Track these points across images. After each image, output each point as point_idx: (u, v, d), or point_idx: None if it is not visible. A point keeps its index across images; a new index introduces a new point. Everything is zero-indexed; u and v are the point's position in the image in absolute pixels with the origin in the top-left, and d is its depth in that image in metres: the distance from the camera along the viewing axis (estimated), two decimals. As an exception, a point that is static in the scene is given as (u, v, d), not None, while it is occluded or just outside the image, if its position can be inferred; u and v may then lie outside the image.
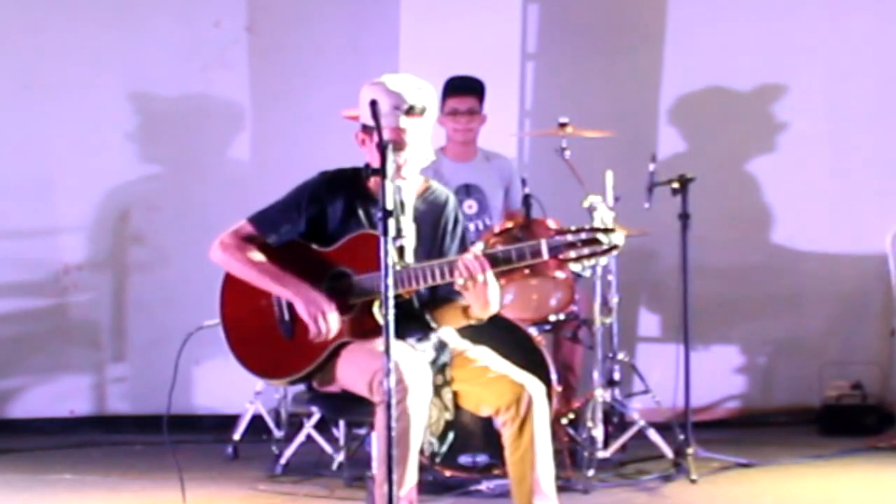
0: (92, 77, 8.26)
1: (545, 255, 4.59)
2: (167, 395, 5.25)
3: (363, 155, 4.85)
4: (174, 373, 5.20)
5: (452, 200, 4.99)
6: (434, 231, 4.91)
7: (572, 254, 4.58)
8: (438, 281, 4.64)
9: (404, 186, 4.79)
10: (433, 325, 4.89)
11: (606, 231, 4.58)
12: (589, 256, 4.59)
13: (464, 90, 7.13)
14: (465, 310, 4.78)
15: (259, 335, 4.86)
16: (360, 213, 4.84)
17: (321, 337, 4.71)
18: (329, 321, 4.70)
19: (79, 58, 8.26)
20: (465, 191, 7.11)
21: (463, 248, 4.90)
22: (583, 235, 4.57)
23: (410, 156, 4.75)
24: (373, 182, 4.79)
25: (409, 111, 4.71)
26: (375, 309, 4.69)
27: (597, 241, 4.57)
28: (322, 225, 4.84)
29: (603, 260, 4.62)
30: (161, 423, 5.43)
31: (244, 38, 8.43)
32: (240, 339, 4.89)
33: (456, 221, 4.96)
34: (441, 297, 4.85)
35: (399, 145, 4.70)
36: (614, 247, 4.59)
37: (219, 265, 4.89)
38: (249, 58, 8.43)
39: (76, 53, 8.26)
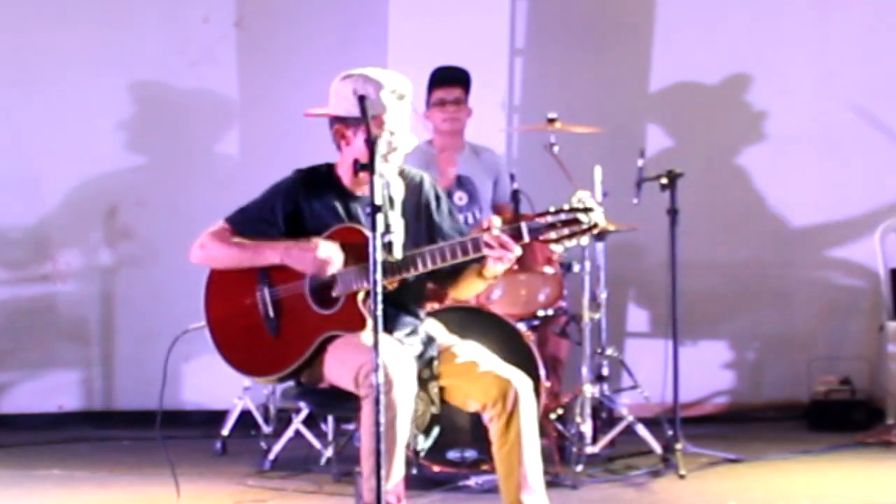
0: (80, 72, 8.26)
1: (525, 238, 4.59)
2: (156, 392, 5.26)
3: (340, 148, 4.86)
4: (164, 374, 5.20)
5: (427, 179, 4.98)
6: (416, 211, 4.90)
7: (552, 234, 4.58)
8: (461, 258, 4.63)
9: (392, 180, 4.79)
10: (423, 318, 4.91)
11: (586, 210, 4.58)
12: (570, 237, 4.58)
13: (450, 80, 7.12)
14: (480, 272, 4.76)
15: (245, 334, 4.86)
16: (339, 207, 4.84)
17: (330, 268, 4.70)
18: (327, 253, 4.69)
19: (67, 53, 8.25)
20: (456, 182, 7.09)
21: (454, 222, 4.94)
22: (562, 216, 4.57)
23: (396, 140, 4.75)
24: (351, 178, 4.81)
25: (392, 94, 4.72)
26: (360, 301, 4.69)
27: (577, 221, 4.57)
28: (299, 222, 4.83)
29: (584, 240, 4.60)
30: (149, 418, 5.44)
31: (233, 33, 8.43)
32: (226, 340, 4.89)
33: (438, 199, 4.96)
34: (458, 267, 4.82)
35: (384, 128, 4.69)
36: (594, 225, 4.59)
37: (201, 264, 4.89)
38: (238, 53, 8.43)
39: (65, 49, 8.25)
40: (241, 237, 4.84)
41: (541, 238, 4.59)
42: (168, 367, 5.25)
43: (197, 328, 4.96)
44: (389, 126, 4.71)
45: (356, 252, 4.61)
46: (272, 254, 4.78)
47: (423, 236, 4.86)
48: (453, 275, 4.86)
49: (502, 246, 4.58)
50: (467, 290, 4.93)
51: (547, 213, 4.59)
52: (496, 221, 4.66)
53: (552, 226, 4.57)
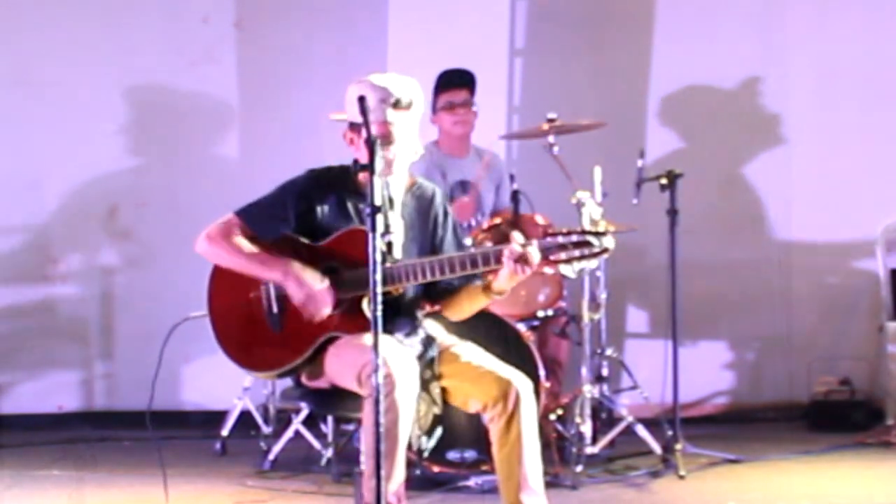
0: (80, 73, 8.26)
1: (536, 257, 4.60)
2: (157, 392, 5.25)
3: (352, 154, 4.85)
4: (158, 363, 5.20)
5: (439, 194, 5.00)
6: (424, 225, 4.92)
7: (563, 255, 4.58)
8: (482, 268, 4.63)
9: (393, 182, 4.80)
10: (421, 319, 4.91)
11: (598, 234, 4.58)
12: (579, 259, 4.59)
13: (458, 83, 7.11)
14: (486, 288, 4.77)
15: (247, 328, 4.85)
16: (350, 208, 4.84)
17: (313, 318, 4.70)
18: (320, 303, 4.69)
19: (67, 54, 8.26)
20: (461, 187, 7.09)
21: (456, 238, 4.93)
22: (574, 237, 4.57)
23: (399, 150, 4.75)
24: (362, 178, 4.80)
25: (396, 105, 4.71)
26: (365, 304, 4.69)
27: (588, 244, 4.57)
28: (310, 222, 4.83)
29: (593, 263, 4.60)
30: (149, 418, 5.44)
31: (232, 33, 8.43)
32: (227, 333, 4.88)
33: (445, 214, 4.97)
34: (460, 282, 4.83)
35: (387, 139, 4.70)
36: (605, 250, 4.59)
37: (204, 257, 4.88)
38: (237, 54, 8.43)
39: (64, 50, 8.25)
40: (249, 232, 4.82)
41: (551, 258, 4.59)
42: (168, 366, 5.25)
43: (198, 316, 4.95)
44: (389, 133, 4.71)
45: (362, 256, 4.59)
46: (272, 273, 4.76)
47: (426, 249, 4.88)
48: (452, 290, 4.86)
49: (523, 259, 4.58)
50: (468, 307, 4.91)
51: (559, 232, 4.59)
52: (518, 237, 4.64)
53: (563, 246, 4.57)
